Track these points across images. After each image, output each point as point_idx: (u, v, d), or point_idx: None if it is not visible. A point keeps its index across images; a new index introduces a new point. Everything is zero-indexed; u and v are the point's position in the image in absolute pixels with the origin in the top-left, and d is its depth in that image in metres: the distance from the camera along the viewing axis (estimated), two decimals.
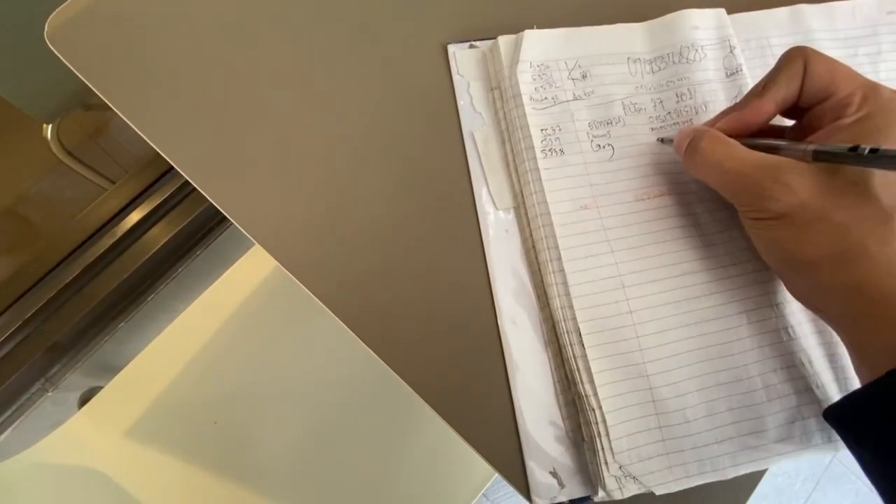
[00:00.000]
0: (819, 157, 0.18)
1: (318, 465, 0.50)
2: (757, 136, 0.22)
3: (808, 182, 0.19)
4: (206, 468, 0.49)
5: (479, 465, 0.23)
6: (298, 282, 0.24)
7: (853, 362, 0.20)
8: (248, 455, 0.50)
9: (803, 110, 0.22)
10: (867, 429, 0.18)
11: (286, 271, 0.24)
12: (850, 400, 0.19)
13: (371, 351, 0.24)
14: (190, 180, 0.25)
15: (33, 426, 0.56)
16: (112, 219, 0.57)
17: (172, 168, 0.26)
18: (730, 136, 0.22)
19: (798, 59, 0.21)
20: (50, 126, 0.62)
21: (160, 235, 0.58)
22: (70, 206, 0.82)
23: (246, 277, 0.56)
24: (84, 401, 0.54)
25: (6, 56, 0.50)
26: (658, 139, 0.26)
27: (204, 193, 0.25)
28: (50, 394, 0.56)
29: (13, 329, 0.52)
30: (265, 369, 0.53)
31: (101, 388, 0.52)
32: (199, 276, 0.60)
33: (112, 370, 0.52)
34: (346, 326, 0.24)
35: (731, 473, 0.22)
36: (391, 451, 0.50)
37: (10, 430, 0.55)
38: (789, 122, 0.23)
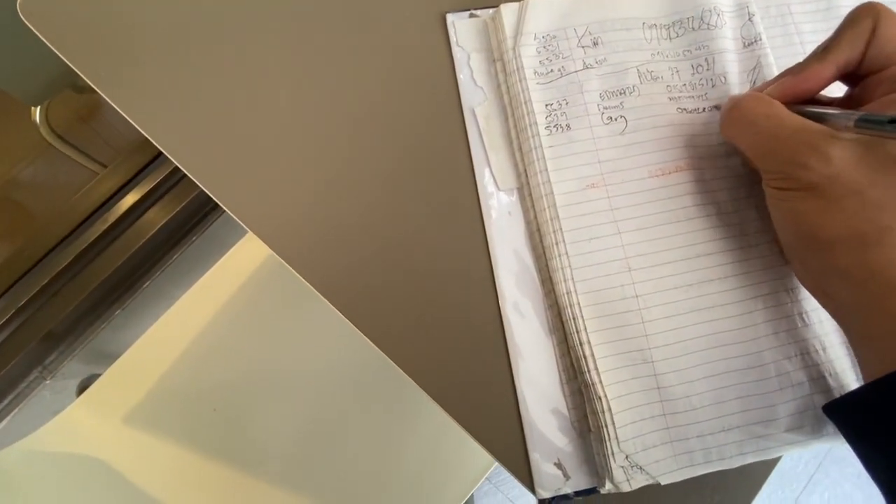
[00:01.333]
0: (861, 126, 0.17)
1: (319, 450, 0.50)
2: (808, 103, 0.20)
3: (846, 153, 0.17)
4: (205, 455, 0.49)
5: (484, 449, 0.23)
6: (294, 271, 0.23)
7: (855, 352, 0.19)
8: (247, 442, 0.50)
9: (860, 78, 0.20)
10: (876, 423, 0.17)
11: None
12: (856, 396, 0.18)
13: (369, 340, 0.23)
14: (177, 164, 0.24)
15: (32, 414, 0.56)
16: (105, 203, 0.56)
17: None
18: (781, 101, 0.20)
19: (867, 17, 0.19)
20: (38, 109, 0.60)
21: (155, 220, 0.57)
22: (62, 190, 0.80)
23: (243, 262, 0.55)
24: (82, 388, 0.54)
25: None
26: (713, 107, 0.24)
27: (193, 178, 0.24)
28: (48, 382, 0.56)
29: (8, 317, 0.52)
30: (264, 356, 0.53)
31: (99, 375, 0.51)
32: (195, 262, 0.59)
33: (110, 357, 0.52)
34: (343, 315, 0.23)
35: (737, 462, 0.21)
36: (392, 435, 0.50)
37: (9, 417, 0.55)
38: (840, 93, 0.22)
